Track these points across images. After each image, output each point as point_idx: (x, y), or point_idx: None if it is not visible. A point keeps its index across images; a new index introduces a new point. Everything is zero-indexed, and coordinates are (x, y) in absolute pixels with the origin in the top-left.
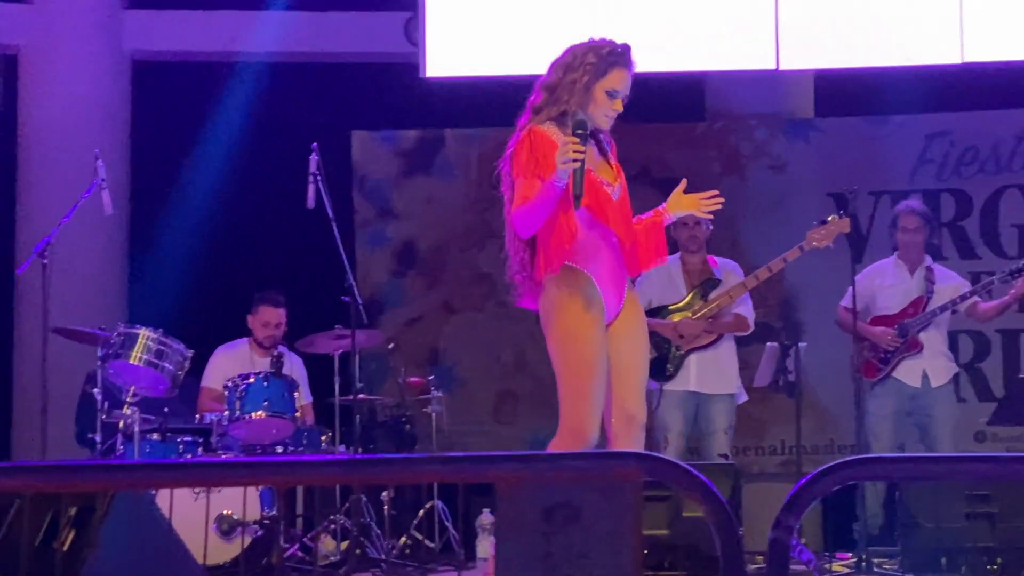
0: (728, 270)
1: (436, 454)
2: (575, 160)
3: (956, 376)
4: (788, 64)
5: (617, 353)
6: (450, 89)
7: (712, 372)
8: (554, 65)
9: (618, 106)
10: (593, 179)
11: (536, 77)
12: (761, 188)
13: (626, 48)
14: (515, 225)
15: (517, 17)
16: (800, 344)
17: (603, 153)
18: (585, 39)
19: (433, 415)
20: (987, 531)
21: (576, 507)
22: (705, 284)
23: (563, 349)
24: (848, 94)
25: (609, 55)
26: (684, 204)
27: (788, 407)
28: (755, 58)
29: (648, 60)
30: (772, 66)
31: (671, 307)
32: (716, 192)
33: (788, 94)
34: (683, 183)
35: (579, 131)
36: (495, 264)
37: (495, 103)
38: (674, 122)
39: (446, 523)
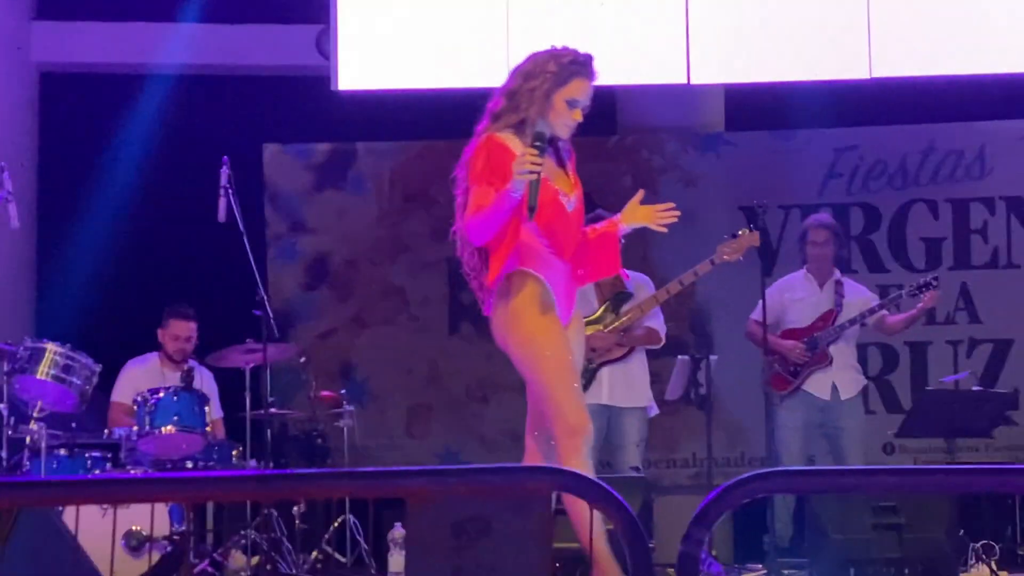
0: (640, 284)
1: (347, 469)
2: (531, 172)
3: (865, 388)
4: (699, 78)
5: None
6: (362, 102)
7: (624, 385)
8: (514, 72)
9: (578, 116)
10: (549, 189)
11: (447, 91)
12: (672, 201)
13: (588, 58)
14: (468, 233)
15: (429, 31)
16: (711, 357)
17: (561, 163)
18: (547, 47)
19: (345, 429)
20: (894, 542)
21: (487, 521)
22: (617, 298)
23: (533, 352)
24: (758, 108)
25: (571, 64)
26: (639, 216)
27: (699, 420)
28: (666, 72)
29: None
30: (683, 80)
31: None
32: (672, 205)
33: (699, 108)
34: (639, 194)
35: (537, 143)
36: (407, 278)
37: (408, 117)
38: (585, 136)
39: (357, 537)
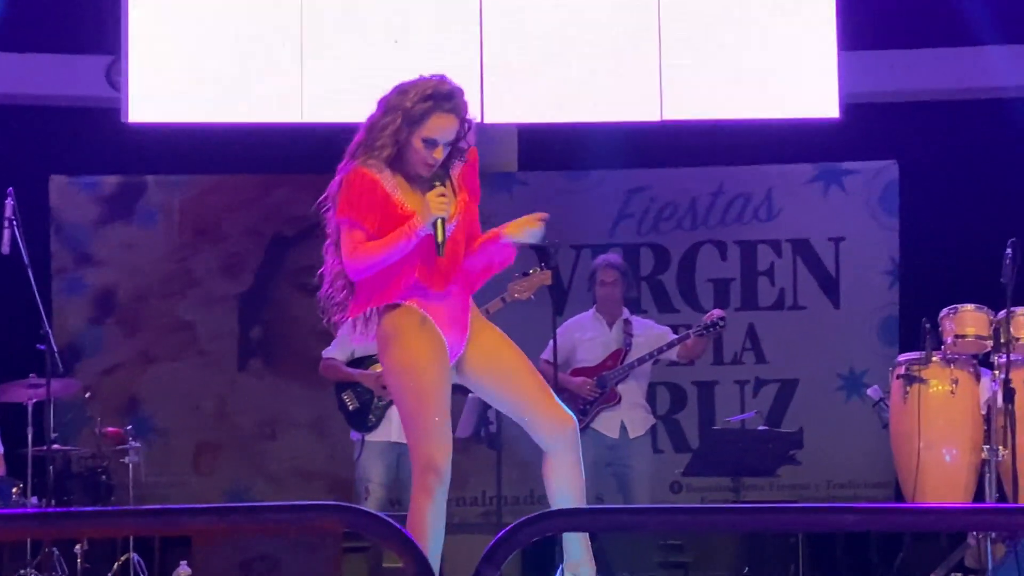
0: None
1: (131, 507)
2: (440, 214)
3: (653, 427)
4: (492, 117)
5: (500, 375)
6: (153, 135)
7: None
8: (379, 102)
9: (438, 154)
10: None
11: (239, 125)
12: None
13: (452, 92)
14: (350, 270)
15: (221, 65)
16: None
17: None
18: (415, 75)
19: (130, 466)
20: None
21: (275, 559)
22: None
23: (398, 383)
24: (551, 149)
25: (430, 98)
26: (514, 228)
27: (489, 458)
28: None
29: (348, 111)
30: (476, 119)
31: (374, 357)
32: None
33: (492, 147)
34: (540, 216)
35: (438, 183)
36: (196, 313)
37: (198, 150)
38: None
39: None
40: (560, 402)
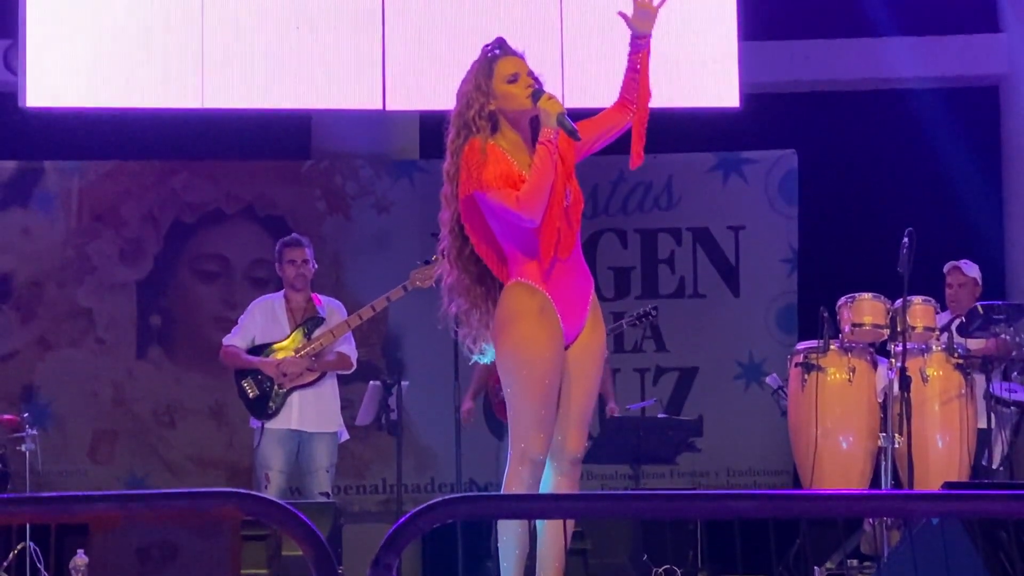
0: (332, 308)
1: (27, 494)
2: (538, 93)
3: None
4: (394, 104)
5: (568, 380)
6: (51, 120)
7: (314, 410)
8: (457, 95)
9: (527, 82)
10: (556, 189)
11: (138, 111)
12: (365, 227)
13: (498, 39)
14: (526, 216)
15: (121, 50)
16: (402, 383)
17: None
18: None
19: (27, 454)
20: (580, 567)
21: (173, 546)
22: (309, 322)
23: (507, 368)
24: None
25: (491, 52)
26: (640, 16)
27: (390, 446)
28: (362, 98)
29: (255, 97)
30: (379, 106)
31: (275, 345)
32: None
33: (394, 134)
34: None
35: (536, 90)
36: (94, 299)
37: (97, 135)
38: (279, 159)
39: (38, 565)
40: (583, 436)
